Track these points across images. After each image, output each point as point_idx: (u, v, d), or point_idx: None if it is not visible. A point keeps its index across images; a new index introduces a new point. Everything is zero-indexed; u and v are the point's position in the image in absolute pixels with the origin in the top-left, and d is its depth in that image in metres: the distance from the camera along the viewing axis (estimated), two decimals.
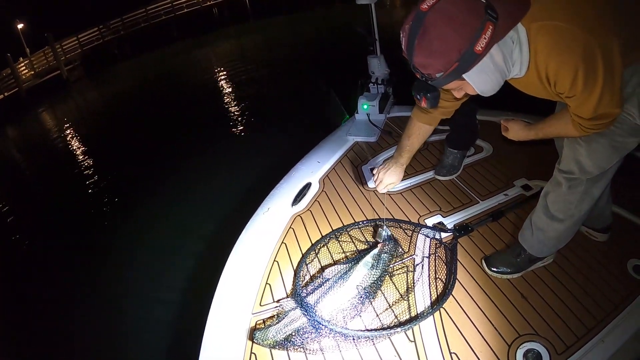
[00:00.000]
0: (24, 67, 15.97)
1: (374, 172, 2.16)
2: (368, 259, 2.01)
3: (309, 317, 1.82)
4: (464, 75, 1.27)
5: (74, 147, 6.70)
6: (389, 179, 2.11)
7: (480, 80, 1.31)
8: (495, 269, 1.96)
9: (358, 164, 2.91)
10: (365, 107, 3.38)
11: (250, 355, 1.81)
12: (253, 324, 1.92)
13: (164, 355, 2.85)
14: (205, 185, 4.85)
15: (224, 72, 8.92)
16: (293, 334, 1.80)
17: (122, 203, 4.96)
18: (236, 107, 6.98)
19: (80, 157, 6.25)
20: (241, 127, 6.21)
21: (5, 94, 14.14)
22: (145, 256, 3.91)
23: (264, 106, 6.77)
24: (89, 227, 4.68)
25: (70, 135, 7.23)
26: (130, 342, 3.08)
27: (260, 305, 2.01)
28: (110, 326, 3.26)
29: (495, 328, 1.74)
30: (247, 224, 2.50)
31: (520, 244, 1.93)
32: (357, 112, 3.44)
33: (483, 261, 2.00)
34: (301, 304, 1.88)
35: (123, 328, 3.18)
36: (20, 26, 19.75)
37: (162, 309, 3.23)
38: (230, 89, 7.87)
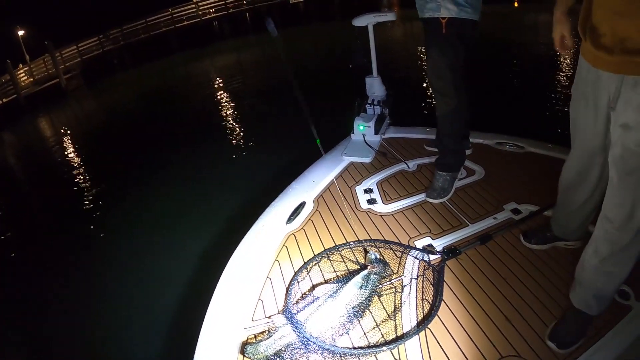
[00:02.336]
0: (23, 74, 16.00)
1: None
2: (358, 279, 2.08)
3: (298, 334, 1.87)
4: None
5: (70, 156, 6.74)
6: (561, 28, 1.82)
7: None
8: (563, 344, 1.77)
9: (352, 185, 2.98)
10: (361, 128, 3.46)
11: None
12: (245, 338, 1.97)
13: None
14: (200, 200, 4.90)
15: (222, 86, 9.02)
16: (283, 349, 1.85)
17: (116, 215, 4.99)
18: (233, 122, 7.07)
19: (75, 166, 6.29)
20: (238, 143, 6.28)
21: (4, 100, 14.17)
22: (139, 270, 3.93)
23: (261, 122, 6.85)
24: (81, 238, 4.70)
25: (66, 144, 7.29)
26: (121, 352, 3.11)
27: (252, 320, 2.07)
28: (100, 336, 3.28)
29: (478, 349, 1.80)
30: (242, 240, 2.55)
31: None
32: (353, 133, 3.52)
33: (547, 339, 1.80)
34: (291, 320, 1.94)
35: (116, 341, 3.21)
36: (21, 33, 19.86)
37: (155, 322, 3.26)
38: (227, 104, 7.95)
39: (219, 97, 8.32)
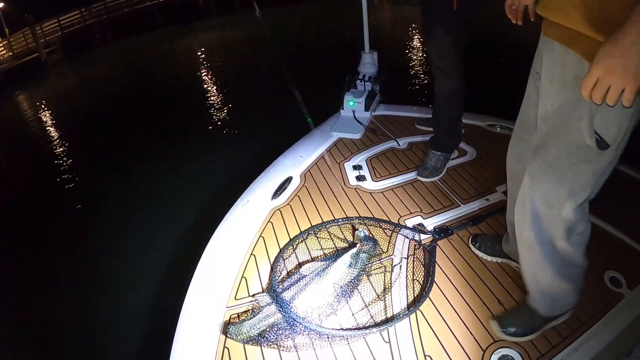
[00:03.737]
0: (2, 48, 15.48)
1: None
2: (346, 257, 1.99)
3: (283, 314, 1.78)
4: None
5: (49, 133, 6.52)
6: None
7: None
8: (506, 332, 1.71)
9: (341, 161, 2.88)
10: (351, 103, 3.36)
11: (224, 350, 1.76)
12: (227, 318, 1.88)
13: (137, 347, 2.77)
14: (184, 175, 4.75)
15: (208, 63, 8.81)
16: (267, 329, 1.76)
17: (97, 192, 4.81)
18: (220, 99, 6.89)
19: (55, 144, 6.07)
20: (223, 119, 6.11)
21: None
22: (119, 246, 3.79)
23: (247, 98, 6.69)
24: (61, 214, 4.53)
25: (46, 121, 7.05)
26: (101, 332, 2.98)
27: (235, 299, 1.97)
28: (81, 316, 3.15)
29: (470, 332, 1.73)
30: (225, 216, 2.45)
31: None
32: (343, 109, 3.41)
33: (495, 321, 1.73)
34: (276, 299, 1.85)
35: (93, 318, 3.07)
36: (0, 5, 19.24)
37: (135, 300, 3.13)
38: (213, 81, 7.76)
39: (204, 73, 8.11)
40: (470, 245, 2.11)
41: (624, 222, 2.16)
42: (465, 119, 2.98)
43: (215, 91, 7.19)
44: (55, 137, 6.35)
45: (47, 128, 6.74)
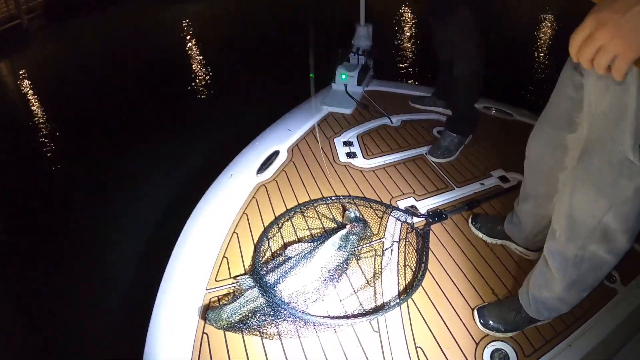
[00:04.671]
0: None
1: None
2: (335, 239, 1.88)
3: (267, 298, 1.68)
4: None
5: (30, 104, 6.20)
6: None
7: None
8: (486, 323, 1.64)
9: (330, 136, 2.75)
10: (343, 77, 3.21)
11: (202, 336, 1.65)
12: (207, 301, 1.77)
13: (112, 329, 2.62)
14: (166, 146, 4.50)
15: (194, 33, 8.46)
16: (249, 315, 1.65)
17: (76, 164, 4.56)
18: (206, 69, 6.61)
19: (35, 114, 5.78)
20: (209, 90, 5.85)
21: None
22: (95, 222, 3.59)
23: (236, 69, 6.43)
24: (37, 186, 4.30)
25: (26, 88, 6.72)
26: (72, 315, 2.81)
27: (216, 280, 1.85)
28: (51, 298, 2.98)
29: (464, 324, 1.65)
30: (207, 191, 2.32)
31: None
32: (334, 82, 3.26)
33: (475, 311, 1.68)
34: (259, 282, 1.73)
35: (65, 299, 2.91)
36: None
37: (110, 281, 2.95)
38: (199, 50, 7.45)
39: (190, 44, 7.79)
40: (471, 225, 2.03)
41: None
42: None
43: (202, 62, 6.91)
44: (33, 107, 6.06)
45: (27, 97, 6.44)
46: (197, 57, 7.22)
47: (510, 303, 1.64)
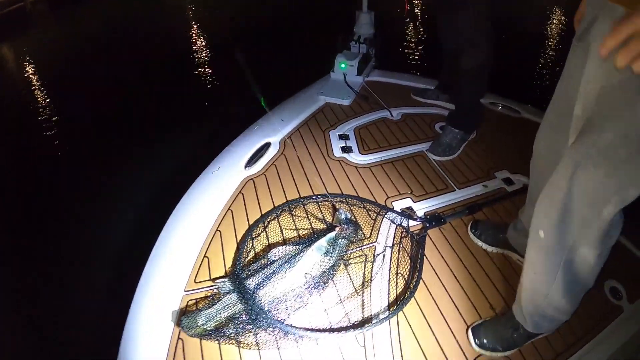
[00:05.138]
0: None
1: None
2: (322, 242, 1.74)
3: (245, 305, 1.54)
4: None
5: (30, 86, 6.04)
6: None
7: None
8: (482, 343, 1.51)
9: (326, 128, 2.60)
10: (342, 66, 3.05)
11: (178, 342, 1.53)
12: (184, 304, 1.64)
13: (85, 331, 2.48)
14: (157, 137, 4.32)
15: (196, 17, 8.28)
16: (226, 322, 1.53)
17: (63, 152, 4.39)
18: (203, 54, 6.41)
19: (33, 98, 5.61)
20: (203, 76, 5.68)
21: None
22: (76, 213, 3.43)
23: (231, 55, 6.28)
24: (24, 173, 4.14)
25: (28, 73, 6.56)
26: (45, 314, 2.67)
27: (195, 282, 1.73)
28: (24, 295, 2.82)
29: (457, 342, 1.51)
30: (193, 184, 2.19)
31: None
32: (333, 71, 3.11)
33: (470, 330, 1.54)
34: (238, 287, 1.60)
35: (38, 298, 2.76)
36: None
37: (87, 277, 2.81)
38: (199, 36, 7.28)
39: (189, 29, 7.60)
40: (470, 233, 1.88)
41: (629, 228, 1.93)
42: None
43: (200, 49, 6.72)
44: (33, 90, 5.90)
45: (27, 81, 6.27)
46: (197, 44, 7.05)
47: (507, 320, 1.50)
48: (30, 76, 6.44)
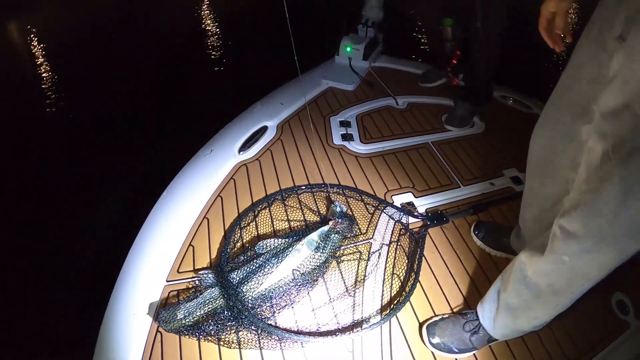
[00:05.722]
0: None
1: None
2: (314, 236, 1.62)
3: (227, 301, 1.43)
4: None
5: (35, 64, 5.90)
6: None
7: None
8: (436, 344, 1.40)
9: (327, 114, 2.47)
10: (348, 49, 2.91)
11: (156, 334, 1.44)
12: (165, 295, 1.54)
13: (65, 318, 2.38)
14: (154, 116, 4.18)
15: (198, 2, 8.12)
16: (205, 318, 1.43)
17: (52, 136, 4.25)
18: (203, 36, 6.28)
19: (37, 76, 5.47)
20: (202, 57, 5.54)
21: None
22: (64, 197, 3.30)
23: (230, 34, 6.07)
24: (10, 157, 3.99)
25: (35, 51, 6.41)
26: (23, 301, 2.57)
27: (178, 272, 1.62)
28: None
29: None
30: (183, 168, 2.07)
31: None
32: (338, 54, 2.96)
33: (424, 328, 1.44)
34: (221, 281, 1.49)
35: (15, 285, 2.65)
36: None
37: (71, 262, 2.70)
38: (206, 17, 7.13)
39: (200, 9, 7.45)
40: (472, 234, 1.76)
41: None
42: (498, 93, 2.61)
43: (200, 28, 6.57)
44: (37, 68, 5.76)
45: (33, 59, 6.13)
46: (204, 24, 6.88)
47: (468, 322, 1.39)
48: (38, 52, 6.30)
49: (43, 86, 5.05)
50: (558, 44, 1.14)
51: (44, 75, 5.40)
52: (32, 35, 6.63)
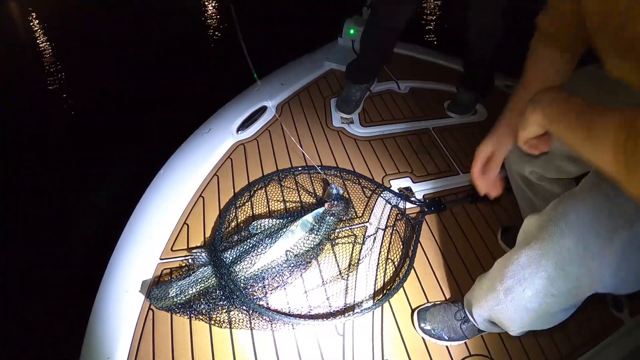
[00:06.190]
0: None
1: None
2: (309, 218, 1.61)
3: (220, 280, 1.43)
4: None
5: (35, 43, 5.81)
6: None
7: None
8: (428, 330, 1.39)
9: (327, 96, 2.44)
10: (351, 32, 2.86)
11: (148, 312, 1.44)
12: (158, 273, 1.54)
13: (60, 295, 2.37)
14: (155, 92, 4.14)
15: None
16: (197, 297, 1.42)
17: (50, 115, 4.19)
18: (206, 13, 6.20)
19: (36, 55, 5.39)
20: (201, 35, 5.46)
21: None
22: (62, 175, 3.27)
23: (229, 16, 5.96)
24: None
25: (35, 30, 6.31)
26: (16, 279, 2.55)
27: (172, 250, 1.62)
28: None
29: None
30: (181, 146, 2.06)
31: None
32: (341, 36, 2.92)
33: (415, 313, 1.43)
34: (214, 260, 1.48)
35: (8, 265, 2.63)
36: None
37: (67, 238, 2.68)
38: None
39: None
40: (501, 242, 1.69)
41: None
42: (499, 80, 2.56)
43: (202, 6, 6.47)
44: (37, 47, 5.68)
45: (33, 38, 6.04)
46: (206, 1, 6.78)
47: (458, 309, 1.38)
48: (39, 32, 6.21)
49: (44, 64, 5.02)
50: (491, 191, 1.11)
51: (43, 53, 5.37)
52: (28, 18, 6.57)
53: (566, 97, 0.82)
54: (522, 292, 1.03)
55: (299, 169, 1.92)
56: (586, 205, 0.90)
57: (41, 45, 5.65)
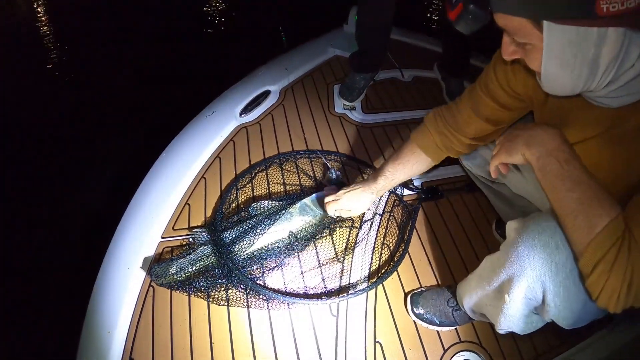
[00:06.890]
0: None
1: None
2: (307, 201, 1.63)
3: (219, 259, 1.47)
4: (545, 27, 0.76)
5: (39, 27, 5.78)
6: (347, 203, 1.48)
7: (561, 52, 0.77)
8: (419, 314, 1.43)
9: (331, 82, 2.46)
10: (357, 18, 2.87)
11: (148, 289, 1.48)
12: (160, 250, 1.58)
13: (62, 273, 2.42)
14: (157, 73, 4.13)
15: None
16: (197, 274, 1.46)
17: (55, 94, 4.19)
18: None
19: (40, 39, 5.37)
20: (207, 17, 5.43)
21: None
22: (70, 150, 3.28)
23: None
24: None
25: (41, 15, 6.26)
26: (21, 254, 2.59)
27: (173, 229, 1.66)
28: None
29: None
30: (184, 128, 2.08)
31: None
32: (347, 23, 2.92)
33: (409, 298, 1.47)
34: (214, 239, 1.52)
35: (12, 239, 2.66)
36: None
37: (72, 211, 2.72)
38: None
39: None
40: (495, 233, 1.72)
41: None
42: (477, 61, 2.56)
43: None
44: (41, 30, 5.65)
45: (38, 22, 6.00)
46: None
47: (451, 296, 1.40)
48: (45, 16, 6.18)
49: (43, 40, 5.02)
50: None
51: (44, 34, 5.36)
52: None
53: (568, 158, 0.84)
54: (502, 297, 1.05)
55: (300, 152, 1.96)
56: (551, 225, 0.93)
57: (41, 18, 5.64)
